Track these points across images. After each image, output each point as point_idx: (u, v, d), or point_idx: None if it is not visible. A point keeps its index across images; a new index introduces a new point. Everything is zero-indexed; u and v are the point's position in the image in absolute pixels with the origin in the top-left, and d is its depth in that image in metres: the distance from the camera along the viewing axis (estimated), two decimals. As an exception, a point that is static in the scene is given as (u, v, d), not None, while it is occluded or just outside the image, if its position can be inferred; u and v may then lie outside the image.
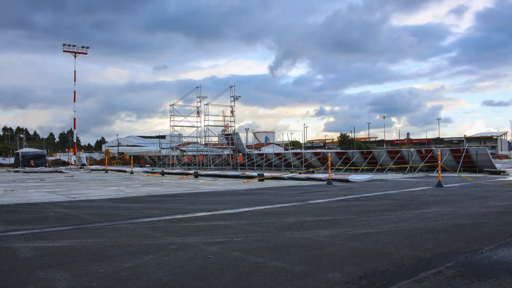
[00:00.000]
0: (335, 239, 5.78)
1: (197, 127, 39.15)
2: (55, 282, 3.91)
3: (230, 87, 37.57)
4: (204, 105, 37.78)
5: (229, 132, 38.55)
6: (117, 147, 77.53)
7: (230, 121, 38.01)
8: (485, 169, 26.03)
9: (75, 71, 71.44)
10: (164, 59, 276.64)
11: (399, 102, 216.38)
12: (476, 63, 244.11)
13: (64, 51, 71.11)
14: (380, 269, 4.25)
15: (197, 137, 40.93)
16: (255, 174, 23.43)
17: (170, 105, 39.08)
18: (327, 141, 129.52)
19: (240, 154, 36.28)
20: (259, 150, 61.64)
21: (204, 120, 37.64)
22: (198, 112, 39.58)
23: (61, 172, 37.71)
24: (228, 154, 41.70)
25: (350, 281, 3.87)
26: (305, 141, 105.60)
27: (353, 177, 20.34)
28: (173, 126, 39.06)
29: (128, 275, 4.13)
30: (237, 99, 38.17)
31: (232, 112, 37.69)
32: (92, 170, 42.31)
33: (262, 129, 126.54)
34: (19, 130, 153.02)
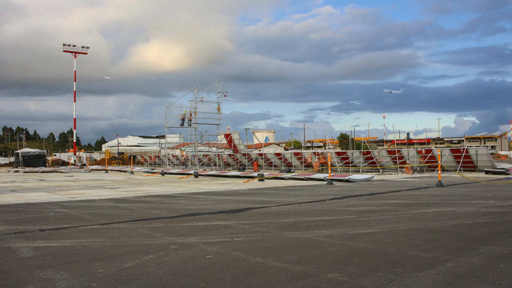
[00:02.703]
0: (335, 239, 5.78)
1: (190, 127, 38.71)
2: (55, 282, 3.91)
3: (217, 81, 36.23)
4: (195, 103, 36.46)
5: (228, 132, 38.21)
6: (117, 147, 77.53)
7: (217, 118, 36.84)
8: (485, 169, 26.02)
9: (75, 71, 71.30)
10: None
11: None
12: None
13: (64, 51, 70.96)
14: (380, 269, 4.24)
15: (194, 136, 40.62)
16: (255, 174, 23.43)
17: (166, 107, 38.66)
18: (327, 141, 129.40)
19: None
20: (259, 150, 61.67)
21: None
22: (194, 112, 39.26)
23: (61, 172, 37.72)
24: (228, 154, 41.65)
25: (350, 281, 3.87)
26: (305, 141, 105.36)
27: (353, 177, 20.35)
28: (168, 127, 38.69)
29: (128, 275, 4.13)
30: (225, 95, 36.52)
31: (218, 109, 36.40)
32: (92, 170, 42.35)
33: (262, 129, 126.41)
34: (19, 130, 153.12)
